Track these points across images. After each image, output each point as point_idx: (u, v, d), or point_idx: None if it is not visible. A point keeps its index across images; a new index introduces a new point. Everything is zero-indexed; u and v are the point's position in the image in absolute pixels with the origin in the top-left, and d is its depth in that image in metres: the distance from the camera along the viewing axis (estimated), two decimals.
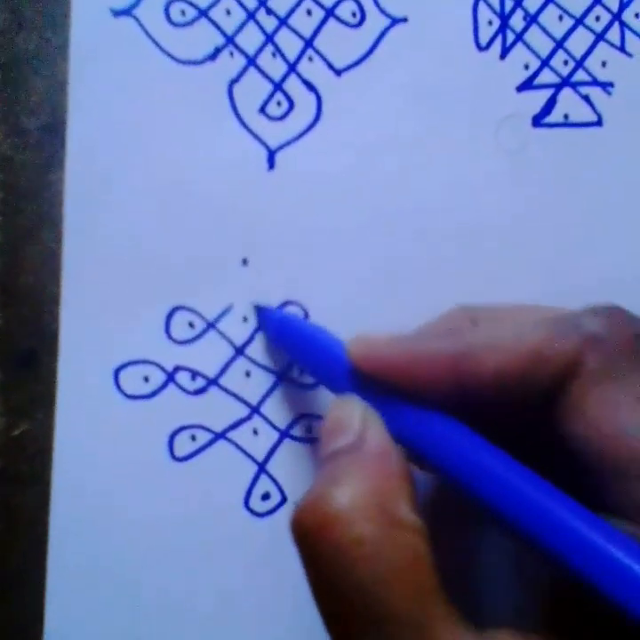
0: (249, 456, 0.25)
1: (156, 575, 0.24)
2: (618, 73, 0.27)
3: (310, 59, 0.26)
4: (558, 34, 0.27)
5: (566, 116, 0.27)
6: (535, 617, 0.18)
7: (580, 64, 0.27)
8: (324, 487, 0.17)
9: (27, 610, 0.24)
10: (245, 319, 0.25)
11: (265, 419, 0.25)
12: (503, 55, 0.26)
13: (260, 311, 0.25)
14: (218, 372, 0.25)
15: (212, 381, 0.25)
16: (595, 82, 0.27)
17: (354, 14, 0.26)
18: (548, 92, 0.27)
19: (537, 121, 0.26)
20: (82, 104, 0.25)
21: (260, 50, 0.26)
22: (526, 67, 0.27)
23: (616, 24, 0.27)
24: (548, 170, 0.26)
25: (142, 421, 0.24)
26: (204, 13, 0.25)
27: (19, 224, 0.25)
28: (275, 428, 0.25)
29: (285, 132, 0.26)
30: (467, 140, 0.26)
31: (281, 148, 0.26)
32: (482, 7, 0.26)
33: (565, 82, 0.27)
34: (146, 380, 0.25)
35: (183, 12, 0.25)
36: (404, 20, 0.26)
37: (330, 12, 0.26)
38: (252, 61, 0.26)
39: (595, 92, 0.27)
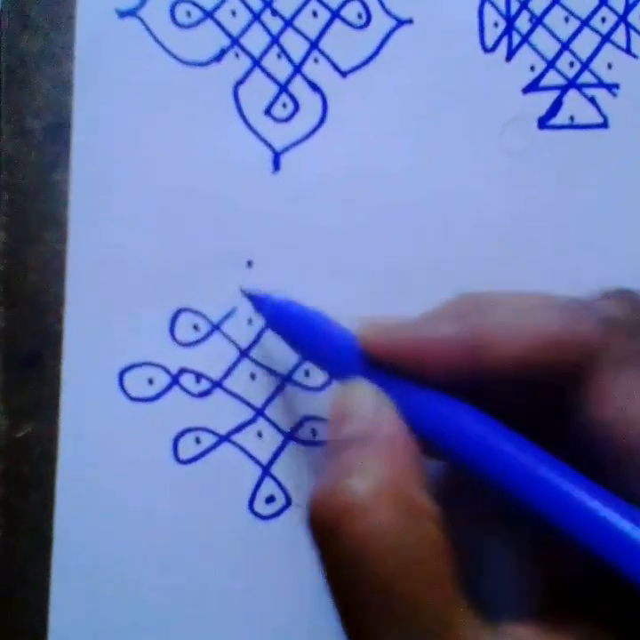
0: (253, 459, 0.25)
1: (159, 577, 0.24)
2: (624, 74, 0.27)
3: (316, 60, 0.26)
4: (564, 35, 0.27)
5: (572, 118, 0.27)
6: (545, 609, 0.18)
7: (585, 66, 0.27)
8: (340, 477, 0.16)
9: (30, 612, 0.24)
10: (250, 321, 0.25)
11: (270, 421, 0.25)
12: (509, 57, 0.26)
13: (253, 299, 0.24)
14: (222, 374, 0.25)
15: (217, 384, 0.25)
16: (601, 83, 0.27)
17: (359, 15, 0.26)
18: (553, 94, 0.27)
19: (543, 123, 0.26)
20: (86, 105, 0.25)
21: (266, 51, 0.26)
22: (532, 68, 0.26)
23: (622, 25, 0.27)
24: (553, 172, 0.26)
25: (146, 424, 0.24)
26: (209, 14, 0.25)
27: (23, 224, 0.25)
28: (279, 430, 0.25)
29: (291, 133, 0.26)
30: (472, 142, 0.26)
31: (286, 149, 0.26)
32: (487, 9, 0.26)
33: (571, 83, 0.27)
34: (150, 382, 0.25)
35: (188, 13, 0.25)
36: (410, 21, 0.26)
37: (335, 14, 0.26)
38: (257, 63, 0.25)
39: (601, 94, 0.27)
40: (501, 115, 0.26)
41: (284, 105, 0.26)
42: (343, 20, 0.26)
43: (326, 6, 0.26)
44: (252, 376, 0.25)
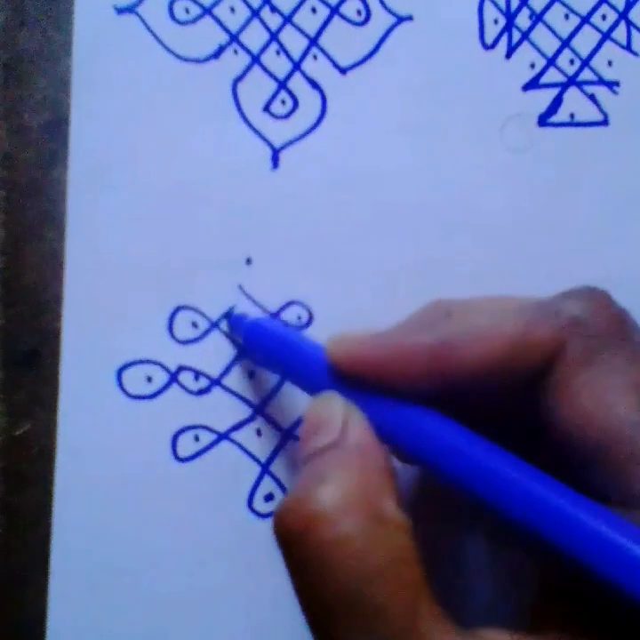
0: (252, 457, 0.25)
1: (158, 575, 0.24)
2: (624, 72, 0.27)
3: (315, 57, 0.26)
4: (564, 33, 0.27)
5: (572, 116, 0.26)
6: (520, 614, 0.18)
7: (586, 63, 0.27)
8: (307, 486, 0.16)
9: (29, 610, 0.24)
10: None
11: (268, 419, 0.25)
12: (509, 54, 0.26)
13: (231, 319, 0.25)
14: (221, 371, 0.25)
15: (216, 381, 0.25)
16: (601, 81, 0.27)
17: (359, 12, 0.26)
18: (553, 91, 0.26)
19: (543, 120, 0.26)
20: (84, 102, 0.25)
21: (265, 48, 0.25)
22: (532, 66, 0.26)
23: (622, 23, 0.27)
24: (553, 169, 0.26)
25: (145, 422, 0.24)
26: (208, 11, 0.25)
27: (21, 222, 0.25)
28: (278, 428, 0.25)
29: (290, 130, 0.25)
30: (472, 139, 0.26)
31: (285, 146, 0.25)
32: (487, 6, 0.26)
33: (571, 81, 0.27)
34: (149, 379, 0.24)
35: (187, 10, 0.25)
36: (410, 18, 0.26)
37: (335, 10, 0.26)
38: (256, 59, 0.25)
39: (601, 92, 0.27)
40: (501, 112, 0.26)
41: (283, 102, 0.26)
42: (342, 16, 0.26)
43: (325, 3, 0.26)
44: (251, 374, 0.25)
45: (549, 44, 0.26)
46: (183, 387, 0.25)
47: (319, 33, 0.26)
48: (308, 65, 0.26)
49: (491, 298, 0.19)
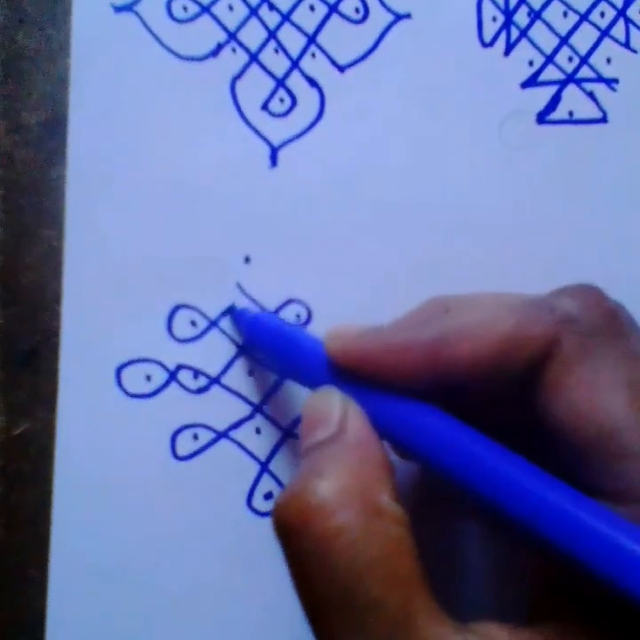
0: (251, 455, 0.25)
1: (157, 574, 0.24)
2: (623, 69, 0.27)
3: (313, 55, 0.26)
4: (563, 30, 0.27)
5: (571, 113, 0.26)
6: (517, 609, 0.18)
7: (584, 60, 0.27)
8: (305, 480, 0.17)
9: (28, 608, 0.24)
10: None
11: (267, 417, 0.25)
12: (507, 51, 0.26)
13: (234, 314, 0.25)
14: (220, 370, 0.25)
15: (215, 380, 0.25)
16: (599, 78, 0.27)
17: (357, 10, 0.26)
18: (552, 89, 0.26)
19: (541, 118, 0.26)
20: (83, 100, 0.25)
21: (263, 46, 0.25)
22: (531, 63, 0.26)
23: (621, 20, 0.27)
24: (552, 167, 0.26)
25: (144, 420, 0.24)
26: (206, 9, 0.25)
27: (19, 221, 0.25)
28: (277, 426, 0.25)
29: (288, 128, 0.25)
30: (470, 137, 0.26)
31: (284, 145, 0.25)
32: (486, 3, 0.26)
33: (570, 78, 0.26)
34: (148, 378, 0.24)
35: (185, 8, 0.25)
36: (408, 16, 0.26)
37: (333, 8, 0.26)
38: (254, 57, 0.25)
39: (599, 89, 0.27)
40: (500, 110, 0.26)
41: (282, 100, 0.26)
42: (341, 14, 0.26)
43: (324, 1, 0.26)
44: (250, 372, 0.25)
45: (548, 42, 0.26)
46: (182, 385, 0.25)
47: (317, 31, 0.26)
48: (306, 63, 0.26)
49: (488, 294, 0.19)
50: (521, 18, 0.26)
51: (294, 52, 0.26)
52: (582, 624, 0.16)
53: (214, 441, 0.24)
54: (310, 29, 0.26)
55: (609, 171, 0.26)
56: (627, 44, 0.27)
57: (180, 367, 0.25)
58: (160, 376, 0.25)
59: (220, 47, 0.25)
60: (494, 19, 0.26)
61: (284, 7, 0.25)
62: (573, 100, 0.26)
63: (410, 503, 0.17)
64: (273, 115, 0.25)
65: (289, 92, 0.26)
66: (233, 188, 0.25)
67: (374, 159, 0.26)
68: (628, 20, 0.27)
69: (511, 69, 0.26)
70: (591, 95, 0.27)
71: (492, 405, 0.19)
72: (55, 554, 0.24)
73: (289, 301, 0.25)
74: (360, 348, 0.19)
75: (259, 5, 0.25)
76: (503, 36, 0.26)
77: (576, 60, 0.27)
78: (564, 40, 0.27)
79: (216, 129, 0.25)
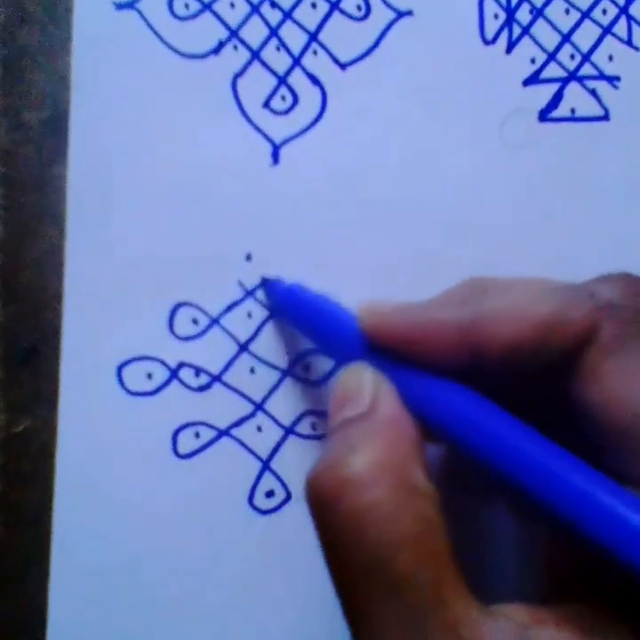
0: (253, 453, 0.25)
1: (159, 572, 0.24)
2: (625, 67, 0.27)
3: (315, 52, 0.26)
4: (565, 27, 0.26)
5: (573, 111, 0.26)
6: (537, 591, 0.18)
7: (586, 58, 0.27)
8: (339, 453, 0.17)
9: (29, 607, 0.24)
10: (250, 315, 0.25)
11: (269, 415, 0.25)
12: (509, 49, 0.26)
13: (267, 284, 0.24)
14: (222, 368, 0.25)
15: (216, 378, 0.25)
16: (602, 76, 0.27)
17: (359, 8, 0.26)
18: (554, 87, 0.26)
19: (543, 115, 0.26)
20: (84, 98, 0.25)
21: (265, 43, 0.25)
22: (533, 61, 0.26)
23: (623, 17, 0.27)
24: (554, 165, 0.26)
25: (145, 418, 0.24)
26: (207, 6, 0.25)
27: (20, 219, 0.25)
28: (279, 424, 0.25)
29: (290, 126, 0.25)
30: (472, 135, 0.26)
31: (285, 142, 0.25)
32: (488, 1, 0.26)
33: (572, 76, 0.26)
34: (149, 376, 0.24)
35: (187, 6, 0.25)
36: (410, 13, 0.26)
37: (335, 6, 0.26)
38: (256, 55, 0.25)
39: (602, 87, 0.27)
40: (502, 107, 0.26)
41: (283, 98, 0.25)
42: (342, 11, 0.26)
43: None
44: (252, 370, 0.25)
45: (550, 39, 0.26)
46: (183, 383, 0.24)
47: (319, 28, 0.26)
48: (308, 60, 0.26)
49: (527, 278, 0.19)
50: (523, 15, 0.26)
51: (296, 50, 0.26)
52: (604, 604, 0.16)
53: (216, 439, 0.24)
54: (312, 27, 0.26)
55: (611, 168, 0.26)
56: (629, 42, 0.27)
57: (181, 365, 0.25)
58: (161, 374, 0.24)
59: (221, 45, 0.25)
60: (496, 16, 0.26)
61: (286, 4, 0.25)
62: (575, 97, 0.26)
63: (436, 484, 0.17)
64: (274, 112, 0.25)
65: (290, 90, 0.25)
66: (234, 185, 0.25)
67: (376, 157, 0.26)
68: (630, 18, 0.27)
69: (513, 67, 0.26)
70: (593, 93, 0.27)
71: (524, 388, 0.18)
72: (56, 552, 0.24)
73: None
74: (394, 323, 0.18)
75: (260, 3, 0.25)
76: (505, 33, 0.26)
77: (578, 58, 0.26)
78: (566, 37, 0.26)
79: (217, 127, 0.25)
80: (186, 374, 0.24)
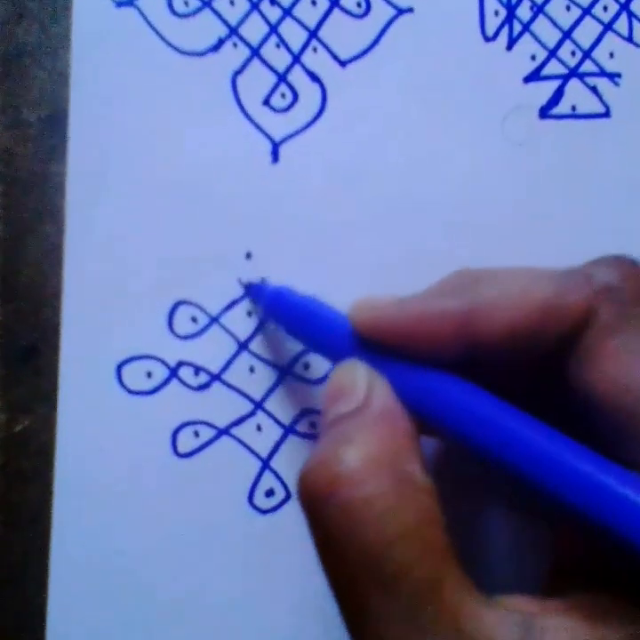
0: (253, 452, 0.24)
1: (158, 571, 0.24)
2: (626, 63, 0.26)
3: (315, 50, 0.25)
4: (565, 24, 0.26)
5: (574, 108, 0.26)
6: (541, 580, 0.18)
7: (587, 55, 0.26)
8: (332, 447, 0.16)
9: (28, 607, 0.24)
10: (249, 314, 0.25)
11: (269, 414, 0.25)
12: (510, 46, 0.26)
13: (251, 289, 0.24)
14: (221, 367, 0.25)
15: (216, 377, 0.25)
16: (602, 73, 0.26)
17: (359, 4, 0.26)
18: (555, 83, 0.26)
19: (544, 112, 0.26)
20: (83, 96, 0.25)
21: (264, 41, 0.25)
22: (533, 58, 0.26)
23: (624, 14, 0.27)
24: (555, 162, 0.26)
25: (145, 417, 0.24)
26: (207, 4, 0.25)
27: (19, 217, 0.25)
28: (279, 423, 0.25)
29: (289, 124, 0.25)
30: (473, 132, 0.26)
31: (285, 140, 0.25)
32: None
33: (573, 73, 0.26)
34: (148, 375, 0.24)
35: (186, 3, 0.25)
36: (410, 10, 0.26)
37: (335, 3, 0.26)
38: (255, 52, 0.25)
39: (602, 83, 0.26)
40: (502, 104, 0.26)
41: (283, 95, 0.25)
42: (342, 8, 0.26)
43: None
44: (252, 369, 0.25)
45: (550, 36, 0.26)
46: (183, 382, 0.24)
47: (319, 25, 0.25)
48: (307, 58, 0.25)
49: (518, 267, 0.19)
50: (523, 12, 0.26)
51: (296, 47, 0.25)
52: (605, 594, 0.16)
53: (215, 438, 0.24)
54: (312, 24, 0.25)
55: (612, 165, 0.26)
56: (630, 38, 0.27)
57: (180, 364, 0.24)
58: (161, 373, 0.24)
59: (221, 42, 0.25)
60: (496, 13, 0.26)
61: (286, 2, 0.25)
62: (576, 94, 0.26)
63: (433, 477, 0.17)
64: (274, 110, 0.25)
65: (290, 87, 0.25)
66: (234, 183, 0.25)
67: (376, 154, 0.25)
68: (630, 15, 0.27)
69: (514, 64, 0.26)
70: (594, 90, 0.26)
71: (520, 378, 0.18)
72: (56, 551, 0.24)
73: None
74: (386, 318, 0.18)
75: (260, 0, 0.25)
76: (505, 30, 0.26)
77: (579, 55, 0.26)
78: (567, 34, 0.26)
79: (217, 124, 0.25)
80: (185, 373, 0.24)
